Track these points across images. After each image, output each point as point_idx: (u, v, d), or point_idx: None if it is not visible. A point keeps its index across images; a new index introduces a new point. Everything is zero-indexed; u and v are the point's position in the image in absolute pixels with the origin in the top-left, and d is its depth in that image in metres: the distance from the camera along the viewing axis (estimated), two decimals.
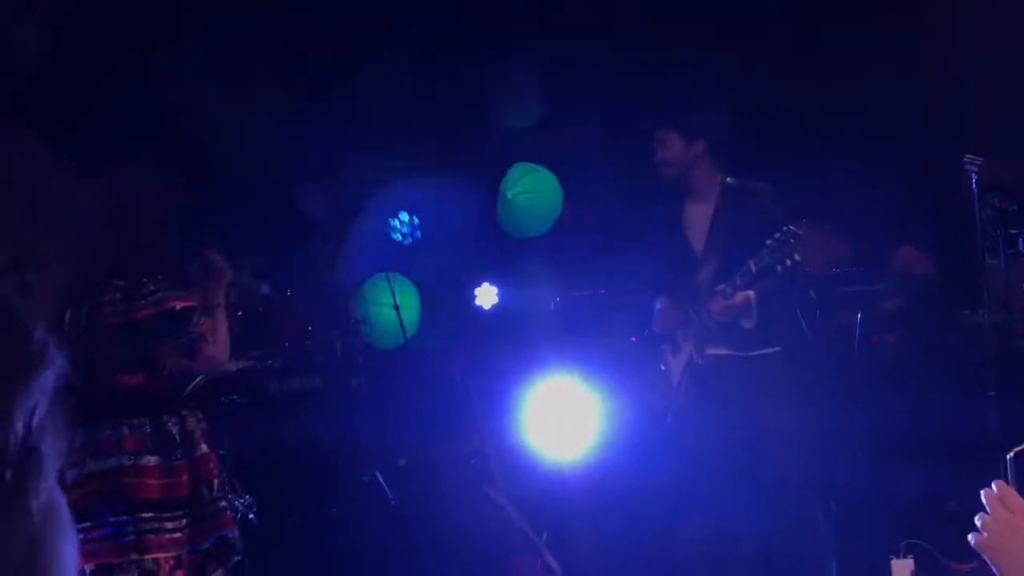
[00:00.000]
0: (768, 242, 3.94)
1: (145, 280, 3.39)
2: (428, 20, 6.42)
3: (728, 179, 4.34)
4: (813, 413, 4.57)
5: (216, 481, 3.46)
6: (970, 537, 1.42)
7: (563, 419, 5.28)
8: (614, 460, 5.34)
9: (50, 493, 1.02)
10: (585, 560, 4.92)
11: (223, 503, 3.47)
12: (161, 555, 3.24)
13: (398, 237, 6.43)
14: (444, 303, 6.58)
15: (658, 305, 4.48)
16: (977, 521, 1.42)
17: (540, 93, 6.69)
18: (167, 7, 6.15)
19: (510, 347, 6.09)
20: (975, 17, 6.09)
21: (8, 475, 0.98)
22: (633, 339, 5.99)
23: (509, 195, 6.43)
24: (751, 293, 4.08)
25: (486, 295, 6.61)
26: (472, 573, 4.69)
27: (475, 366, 5.33)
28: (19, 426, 0.99)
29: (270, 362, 4.83)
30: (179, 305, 3.36)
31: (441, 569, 4.76)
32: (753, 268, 3.99)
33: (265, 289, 5.61)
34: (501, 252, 6.78)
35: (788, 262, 3.88)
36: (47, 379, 1.03)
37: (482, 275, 6.67)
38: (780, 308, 4.43)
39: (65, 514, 1.04)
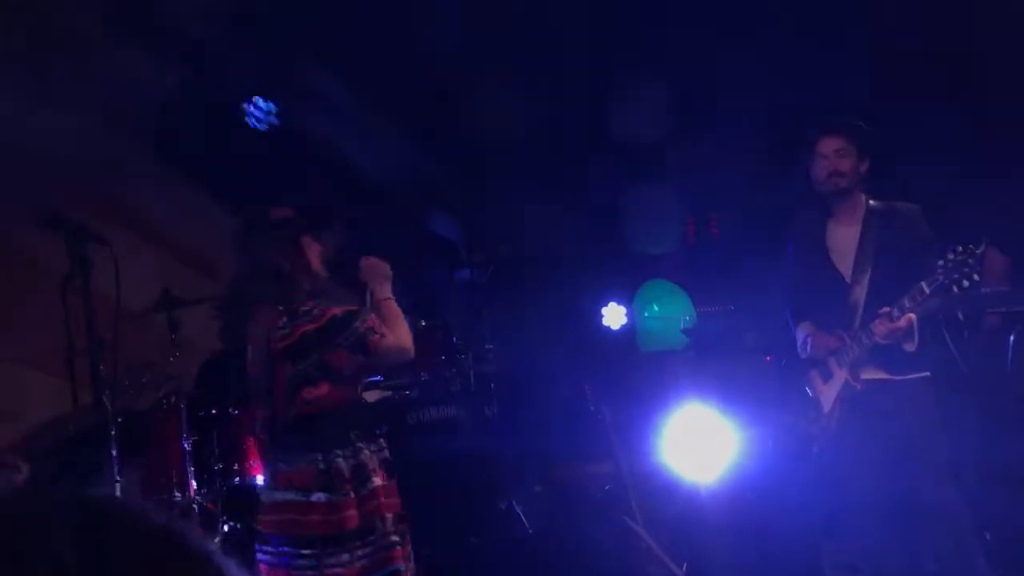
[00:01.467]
0: (942, 262, 3.63)
1: (305, 300, 3.42)
2: (545, 51, 6.19)
3: (871, 201, 3.99)
4: (967, 439, 4.20)
5: (390, 515, 3.37)
6: None
7: (699, 442, 4.99)
8: (754, 485, 5.04)
9: None
10: None
11: (394, 537, 3.36)
12: None
13: (253, 123, 6.13)
14: (574, 327, 6.38)
15: (803, 332, 4.16)
16: None
17: (674, 103, 6.36)
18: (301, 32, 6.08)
19: (641, 369, 5.83)
20: None
21: None
22: (768, 358, 5.66)
23: (646, 314, 6.32)
24: (914, 316, 3.78)
25: (614, 315, 6.38)
26: None
27: (608, 389, 5.06)
28: None
29: (407, 392, 4.66)
30: (339, 312, 3.38)
31: None
32: (927, 289, 3.68)
33: (422, 321, 5.39)
34: (627, 272, 6.54)
35: (966, 283, 3.57)
36: None
37: (608, 295, 6.43)
38: (931, 330, 4.09)
39: None
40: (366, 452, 3.40)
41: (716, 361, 5.64)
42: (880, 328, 3.83)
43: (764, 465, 5.06)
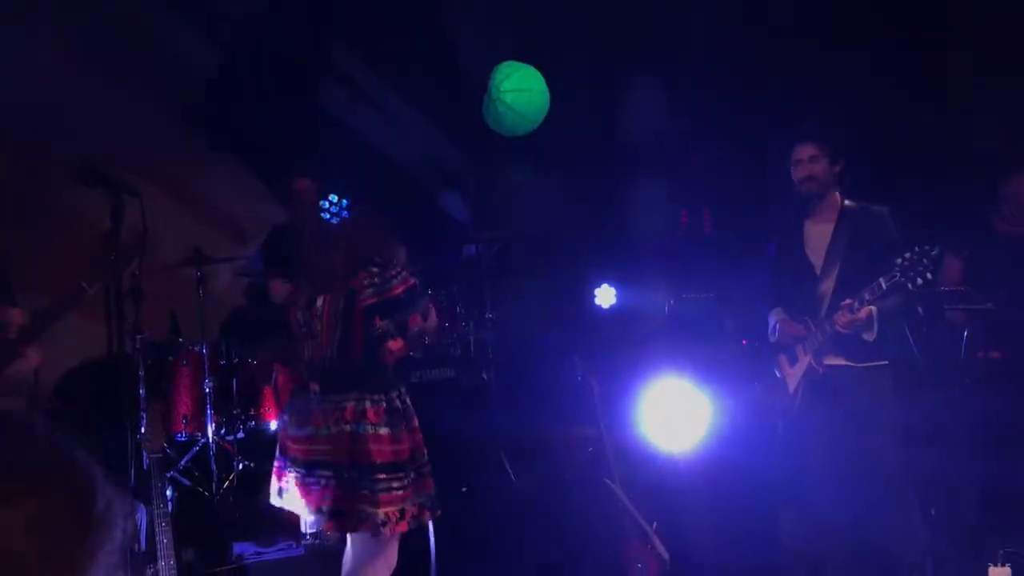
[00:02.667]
0: (900, 261, 3.76)
1: (392, 263, 3.65)
2: (556, 49, 6.28)
3: (847, 201, 4.10)
4: (918, 421, 4.32)
5: (424, 449, 3.64)
6: None
7: (676, 414, 5.11)
8: (723, 455, 5.17)
9: None
10: (691, 548, 4.75)
11: (428, 467, 3.63)
12: (390, 509, 3.44)
13: (327, 216, 6.32)
14: (568, 304, 6.49)
15: (774, 319, 4.28)
16: None
17: (667, 105, 6.48)
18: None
19: (627, 345, 5.94)
20: None
21: None
22: (744, 342, 5.79)
23: (494, 93, 5.85)
24: (873, 308, 3.91)
25: (605, 295, 6.50)
26: (585, 554, 4.57)
27: (596, 362, 5.18)
28: None
29: (413, 354, 4.78)
30: (414, 281, 3.62)
31: (556, 547, 4.66)
32: (884, 284, 3.82)
33: (429, 290, 5.52)
34: (620, 257, 6.65)
35: (920, 280, 3.72)
36: (114, 540, 0.95)
37: (602, 278, 6.54)
38: (893, 323, 4.21)
39: None
40: (407, 397, 3.68)
41: (696, 342, 5.76)
42: (841, 318, 3.96)
43: (734, 438, 5.19)
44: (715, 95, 6.43)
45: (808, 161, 4.10)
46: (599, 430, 4.88)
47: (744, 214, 6.00)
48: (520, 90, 5.81)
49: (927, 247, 3.72)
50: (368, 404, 3.49)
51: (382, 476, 3.45)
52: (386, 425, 3.50)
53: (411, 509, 3.50)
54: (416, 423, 3.65)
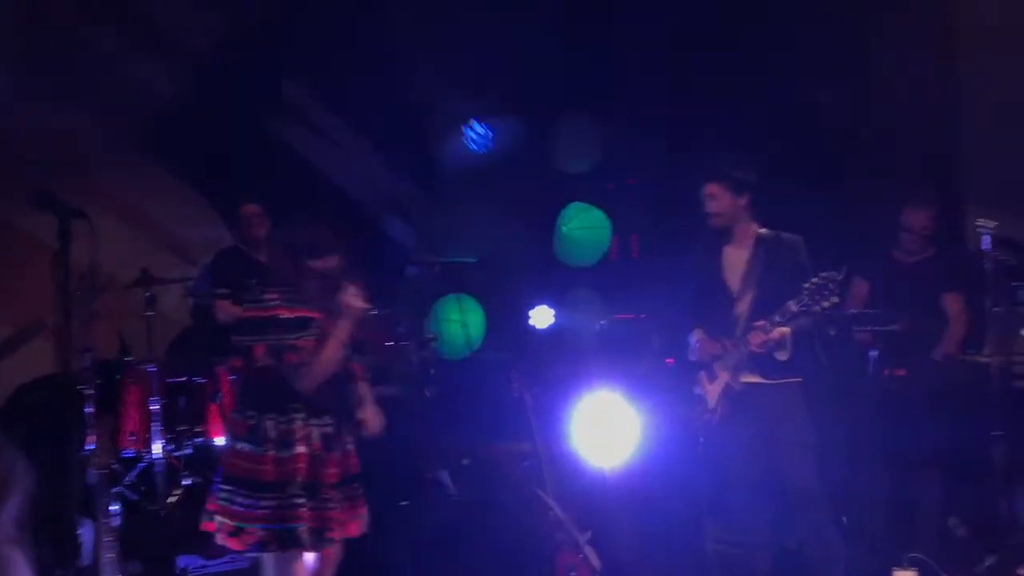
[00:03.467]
0: (807, 285, 3.89)
1: (271, 289, 3.43)
2: (498, 78, 6.38)
3: (762, 230, 4.22)
4: (828, 435, 4.43)
5: (300, 479, 3.37)
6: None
7: (606, 429, 5.18)
8: (651, 467, 5.24)
9: None
10: (622, 556, 4.81)
11: (301, 499, 3.35)
12: (224, 519, 3.35)
13: (472, 145, 6.40)
14: (505, 323, 6.54)
15: (694, 338, 4.37)
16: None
17: (597, 143, 6.62)
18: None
19: (561, 363, 6.00)
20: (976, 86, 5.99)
21: None
22: (670, 361, 5.88)
23: (565, 230, 6.38)
24: (787, 329, 4.02)
25: (541, 316, 6.56)
26: (520, 565, 4.59)
27: (532, 380, 5.23)
28: None
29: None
30: (285, 315, 3.36)
31: (493, 559, 4.67)
32: (794, 307, 3.94)
33: (375, 310, 5.51)
34: (556, 280, 6.73)
35: (826, 304, 3.85)
36: (13, 503, 0.98)
37: (539, 299, 6.61)
38: (804, 343, 4.33)
39: None
40: (299, 422, 3.40)
41: (626, 361, 5.84)
42: (755, 339, 4.06)
43: (661, 451, 5.27)
44: (643, 127, 6.57)
45: (711, 198, 4.23)
46: (534, 444, 4.92)
47: (669, 240, 6.12)
48: (585, 228, 6.36)
49: (833, 272, 3.85)
50: (236, 417, 3.47)
51: (227, 488, 3.37)
52: (246, 441, 3.37)
53: (254, 531, 3.30)
54: (302, 453, 3.36)
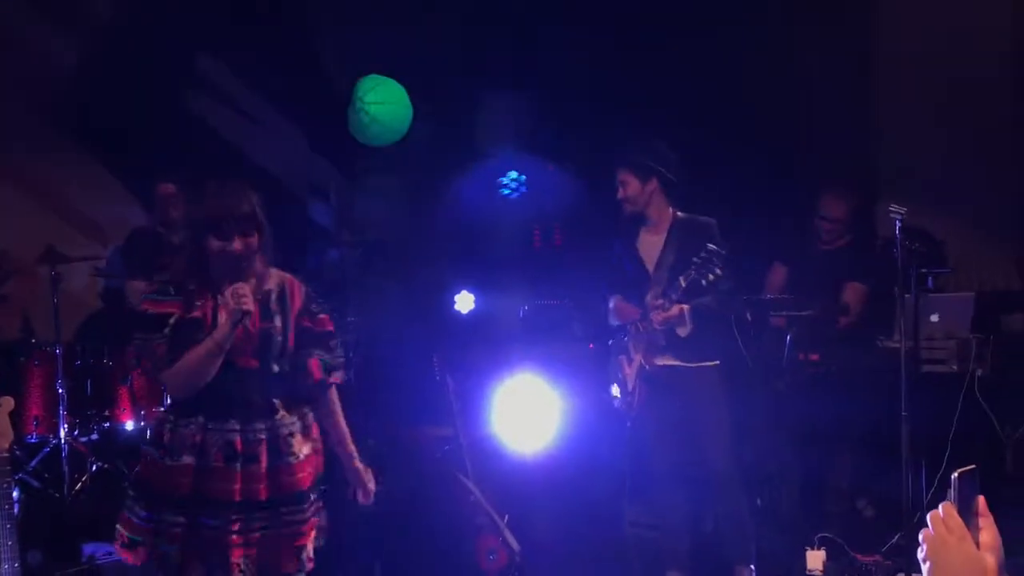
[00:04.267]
0: (695, 260, 3.98)
1: (157, 280, 2.96)
2: (418, 62, 6.29)
3: (679, 213, 4.25)
4: (744, 418, 4.50)
5: (181, 493, 2.86)
6: (917, 551, 1.36)
7: (526, 414, 5.17)
8: (571, 451, 5.26)
9: None
10: (541, 539, 4.81)
11: (177, 518, 2.85)
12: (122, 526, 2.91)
13: (507, 192, 6.35)
14: (428, 308, 6.48)
15: (612, 302, 4.42)
16: (920, 537, 1.35)
17: (519, 127, 6.59)
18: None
19: (483, 348, 5.96)
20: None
21: None
22: (591, 346, 5.90)
23: (359, 104, 5.80)
24: (685, 306, 4.08)
25: (464, 301, 6.52)
26: (440, 548, 4.55)
27: (453, 363, 5.18)
28: None
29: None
30: (151, 310, 2.87)
31: (413, 544, 4.61)
32: (683, 283, 4.02)
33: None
34: (478, 265, 6.69)
35: (711, 276, 3.92)
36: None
37: (461, 284, 6.56)
38: (719, 327, 4.38)
39: None
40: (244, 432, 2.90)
41: (548, 345, 5.84)
42: (656, 316, 4.12)
43: (580, 435, 5.29)
44: (565, 113, 6.57)
45: (622, 185, 4.28)
46: (455, 428, 4.88)
47: (590, 228, 6.14)
48: (383, 102, 5.80)
49: (717, 248, 3.94)
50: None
51: (131, 493, 2.95)
52: (151, 444, 2.94)
53: (145, 544, 2.86)
54: (187, 464, 2.82)
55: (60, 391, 4.83)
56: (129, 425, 5.03)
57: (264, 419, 2.89)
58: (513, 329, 6.15)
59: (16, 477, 4.39)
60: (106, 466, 4.99)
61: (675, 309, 4.07)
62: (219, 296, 2.87)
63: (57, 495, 4.76)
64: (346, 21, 6.24)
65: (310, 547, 3.00)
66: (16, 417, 4.84)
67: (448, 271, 6.61)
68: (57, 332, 4.94)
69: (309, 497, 2.99)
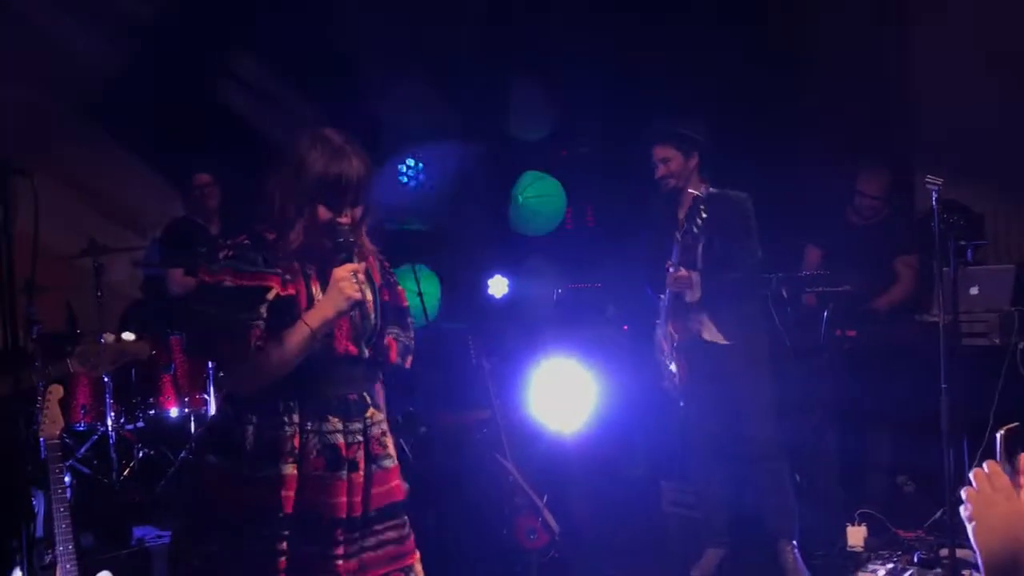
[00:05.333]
0: (695, 218, 3.94)
1: (230, 244, 2.41)
2: (448, 46, 6.31)
3: (711, 189, 4.24)
4: (782, 395, 4.48)
5: (287, 512, 2.36)
6: (961, 509, 1.35)
7: (564, 394, 5.20)
8: (608, 431, 5.27)
9: None
10: (579, 519, 4.83)
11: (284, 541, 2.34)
12: None
13: (404, 180, 6.34)
14: (462, 292, 6.51)
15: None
16: (962, 494, 1.34)
17: (551, 111, 6.58)
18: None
19: (518, 332, 5.99)
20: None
21: None
22: (625, 327, 5.91)
23: (520, 199, 6.35)
24: (696, 273, 4.10)
25: (498, 286, 6.54)
26: (480, 530, 4.60)
27: (489, 348, 5.21)
28: None
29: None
30: (234, 283, 2.35)
31: (453, 525, 4.66)
32: (679, 237, 4.04)
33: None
34: (511, 249, 6.71)
35: (699, 221, 3.88)
36: None
37: (495, 269, 6.58)
38: (754, 303, 4.36)
39: None
40: None
41: (582, 328, 5.85)
42: (669, 279, 4.12)
43: (617, 415, 5.30)
44: (593, 94, 6.55)
45: (662, 162, 4.24)
46: (492, 410, 4.91)
47: (623, 208, 6.13)
48: (541, 196, 6.24)
49: (698, 194, 3.94)
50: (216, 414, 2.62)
51: (196, 518, 2.43)
52: (219, 452, 2.39)
53: None
54: (290, 475, 2.31)
55: (106, 380, 4.92)
56: (173, 412, 5.12)
57: (360, 415, 2.40)
58: (547, 312, 6.16)
59: (67, 464, 4.50)
60: (152, 452, 5.11)
61: (683, 272, 4.06)
62: (314, 273, 2.38)
63: (106, 481, 4.86)
64: (374, 14, 6.27)
65: (419, 570, 2.51)
66: (65, 406, 4.96)
67: (481, 256, 6.64)
68: (100, 322, 5.03)
69: (404, 509, 2.50)
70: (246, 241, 2.37)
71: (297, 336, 2.29)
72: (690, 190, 4.15)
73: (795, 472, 4.67)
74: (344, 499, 2.33)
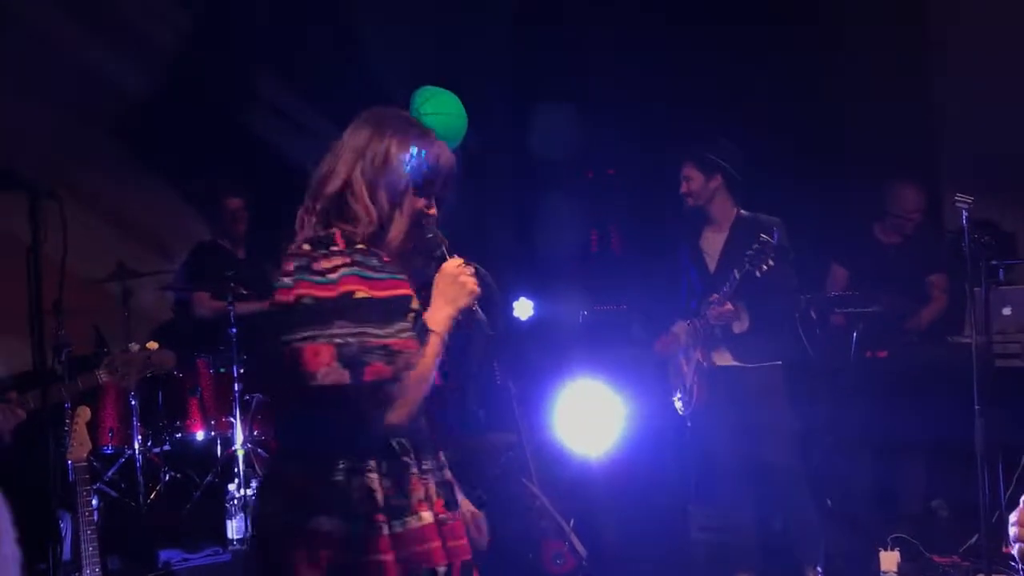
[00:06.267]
0: (748, 252, 3.93)
1: (328, 252, 2.01)
2: (474, 68, 6.35)
3: (742, 211, 4.23)
4: (811, 418, 4.44)
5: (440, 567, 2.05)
6: (1010, 528, 1.34)
7: (590, 417, 5.17)
8: (635, 455, 5.23)
9: None
10: (607, 544, 4.79)
11: None
12: None
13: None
14: (487, 315, 6.48)
15: (675, 327, 4.39)
16: (1013, 518, 1.34)
17: (574, 132, 6.59)
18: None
19: (544, 354, 5.97)
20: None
21: None
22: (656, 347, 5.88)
23: (416, 116, 6.13)
24: (741, 304, 4.07)
25: (523, 308, 6.54)
26: (507, 554, 4.56)
27: (514, 369, 5.20)
28: None
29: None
30: (363, 294, 1.95)
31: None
32: (737, 275, 3.99)
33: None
34: (537, 271, 6.71)
35: (764, 267, 3.88)
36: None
37: (520, 291, 6.58)
38: (783, 326, 4.34)
39: None
40: None
41: (609, 350, 5.83)
42: (711, 313, 4.10)
43: (644, 438, 5.26)
44: (620, 116, 6.56)
45: (685, 179, 4.28)
46: (518, 433, 4.90)
47: (649, 230, 6.12)
48: (439, 113, 5.89)
49: (769, 238, 3.90)
50: (294, 471, 2.02)
51: None
52: (332, 513, 1.94)
53: None
54: (429, 524, 2.01)
55: (133, 403, 4.96)
56: (200, 435, 5.15)
57: (447, 446, 2.14)
58: (573, 334, 6.14)
59: (94, 486, 4.53)
60: (178, 475, 5.13)
61: (728, 305, 4.04)
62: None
63: (133, 504, 4.89)
64: (400, 32, 6.34)
65: None
66: (92, 428, 5.00)
67: (506, 278, 6.64)
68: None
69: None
70: (335, 246, 1.94)
71: (432, 346, 1.96)
72: (741, 212, 4.14)
73: (825, 496, 4.62)
74: (463, 542, 2.08)
